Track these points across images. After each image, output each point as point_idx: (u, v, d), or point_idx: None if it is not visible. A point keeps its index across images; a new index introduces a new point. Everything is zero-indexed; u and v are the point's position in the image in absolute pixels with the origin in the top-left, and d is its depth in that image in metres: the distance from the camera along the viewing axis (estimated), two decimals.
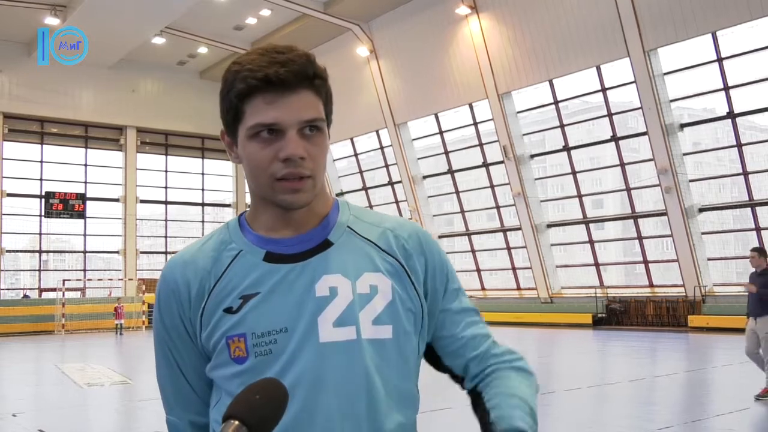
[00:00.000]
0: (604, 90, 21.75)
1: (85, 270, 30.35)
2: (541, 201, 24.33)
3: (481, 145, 25.37)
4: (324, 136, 1.17)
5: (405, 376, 1.20)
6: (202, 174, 33.05)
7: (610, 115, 21.87)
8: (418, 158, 27.80)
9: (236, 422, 0.92)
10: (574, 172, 23.19)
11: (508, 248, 25.78)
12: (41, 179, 29.02)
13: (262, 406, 0.95)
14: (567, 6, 21.58)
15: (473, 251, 26.84)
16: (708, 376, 11.54)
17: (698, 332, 19.26)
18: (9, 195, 28.27)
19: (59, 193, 28.54)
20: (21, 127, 28.62)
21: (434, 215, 27.88)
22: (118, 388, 10.98)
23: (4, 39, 26.83)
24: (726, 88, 19.19)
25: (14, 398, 10.28)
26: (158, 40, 27.21)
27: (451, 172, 26.54)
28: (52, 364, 15.14)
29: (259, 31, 27.95)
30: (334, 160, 31.29)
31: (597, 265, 23.52)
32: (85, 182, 29.91)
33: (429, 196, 27.92)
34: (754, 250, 8.53)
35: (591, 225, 23.55)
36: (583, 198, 23.28)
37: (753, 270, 8.41)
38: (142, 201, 31.16)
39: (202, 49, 29.20)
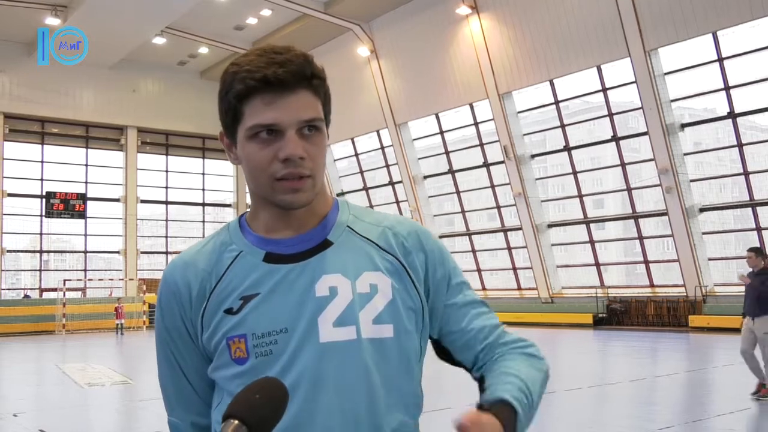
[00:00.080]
0: (604, 90, 21.74)
1: (85, 270, 30.36)
2: (542, 201, 24.33)
3: (481, 145, 25.37)
4: (323, 135, 1.17)
5: (407, 375, 1.20)
6: (203, 174, 33.07)
7: (610, 115, 21.87)
8: (419, 158, 27.80)
9: (236, 421, 0.92)
10: (574, 172, 23.18)
11: (509, 248, 25.78)
12: (42, 179, 29.04)
13: (261, 405, 0.95)
14: (567, 6, 21.57)
15: (474, 251, 26.84)
16: (709, 376, 11.54)
17: (699, 332, 19.25)
18: (10, 195, 28.29)
19: (60, 193, 28.54)
20: (22, 127, 28.64)
21: (435, 215, 27.88)
22: (118, 388, 10.97)
23: (4, 39, 26.84)
24: (727, 88, 19.18)
25: (15, 398, 10.28)
26: (159, 40, 27.22)
27: (451, 172, 26.54)
28: (53, 364, 15.14)
29: (260, 31, 27.96)
30: (335, 160, 31.30)
31: (598, 265, 23.51)
32: (86, 182, 29.92)
33: (430, 196, 27.92)
34: (750, 250, 8.55)
35: (592, 225, 23.55)
36: (584, 198, 23.27)
37: (750, 270, 8.43)
38: (143, 201, 31.17)
39: (203, 49, 29.22)
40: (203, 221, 33.12)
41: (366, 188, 30.12)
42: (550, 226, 24.30)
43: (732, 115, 19.29)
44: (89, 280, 29.30)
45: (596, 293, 22.74)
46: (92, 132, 30.20)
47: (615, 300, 22.45)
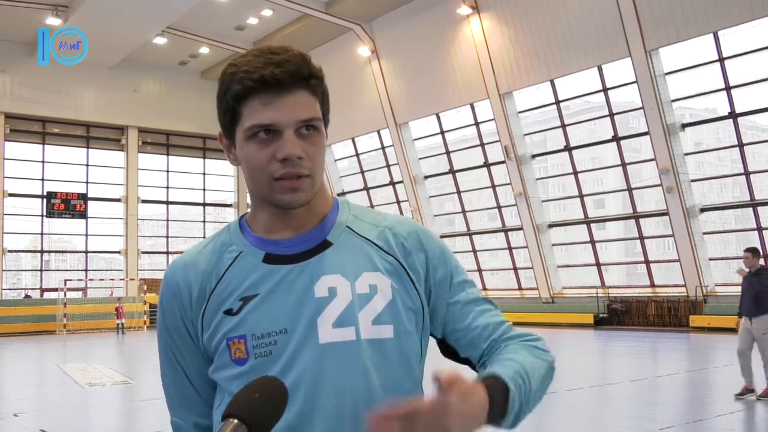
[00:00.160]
0: (605, 90, 21.74)
1: (86, 270, 30.37)
2: (543, 201, 24.32)
3: (482, 145, 25.36)
4: (321, 135, 1.17)
5: (407, 376, 1.19)
6: (204, 174, 33.07)
7: (611, 115, 21.86)
8: (420, 158, 27.80)
9: (235, 421, 0.92)
10: (575, 172, 23.18)
11: (510, 248, 25.78)
12: (43, 179, 29.05)
13: (261, 404, 0.95)
14: (568, 6, 21.57)
15: (474, 251, 26.84)
16: (709, 376, 11.53)
17: (700, 332, 19.24)
18: (11, 195, 28.30)
19: (61, 193, 28.56)
20: (23, 127, 28.65)
21: (435, 215, 27.88)
22: (119, 388, 10.98)
23: (5, 39, 26.85)
24: (727, 88, 19.17)
25: (16, 398, 10.29)
26: (159, 40, 27.23)
27: (452, 172, 26.54)
28: (54, 364, 15.16)
29: (261, 31, 27.97)
30: (336, 160, 31.31)
31: (598, 265, 23.50)
32: (87, 182, 29.94)
33: (430, 196, 27.92)
34: (747, 250, 8.56)
35: (592, 225, 23.54)
36: (585, 198, 23.27)
37: (747, 270, 8.44)
38: (144, 201, 31.19)
39: (204, 49, 29.22)
40: (204, 221, 33.13)
41: (367, 188, 30.12)
42: (550, 226, 24.30)
43: (733, 115, 19.28)
44: (90, 280, 29.31)
45: (597, 293, 22.74)
46: (93, 132, 30.22)
47: (616, 300, 22.45)
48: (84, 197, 29.08)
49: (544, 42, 22.33)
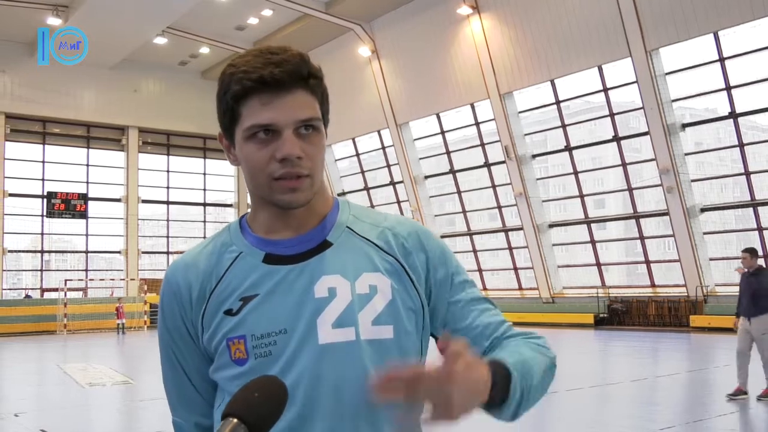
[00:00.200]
0: (605, 90, 21.73)
1: (87, 270, 30.38)
2: (543, 201, 24.32)
3: (482, 145, 25.36)
4: (321, 135, 1.16)
5: None
6: (204, 174, 33.08)
7: (611, 115, 21.86)
8: (420, 158, 27.80)
9: (235, 420, 0.92)
10: (575, 172, 23.18)
11: (510, 248, 25.77)
12: (43, 179, 29.06)
13: (260, 404, 0.95)
14: (569, 6, 21.56)
15: (475, 251, 26.84)
16: (710, 376, 11.52)
17: (700, 332, 19.24)
18: (11, 195, 28.30)
19: (61, 193, 28.56)
20: (23, 127, 28.66)
21: (436, 215, 27.88)
22: (119, 388, 10.98)
23: (6, 39, 26.86)
24: (728, 88, 19.17)
25: (16, 398, 10.29)
26: (160, 41, 27.23)
27: (452, 172, 26.54)
28: (54, 364, 15.16)
29: (261, 32, 27.97)
30: (336, 160, 31.31)
31: (599, 265, 23.50)
32: (87, 182, 29.95)
33: (431, 196, 27.92)
34: (745, 250, 8.57)
35: (593, 225, 23.54)
36: (585, 198, 23.27)
37: (746, 270, 8.44)
38: (144, 201, 31.19)
39: (204, 49, 29.22)
40: (204, 221, 33.13)
41: (367, 188, 30.13)
42: (551, 226, 24.30)
43: (733, 115, 19.27)
44: (90, 280, 29.32)
45: (597, 293, 22.73)
46: (93, 132, 30.22)
47: (616, 300, 22.44)
48: (84, 197, 29.09)
49: (545, 42, 22.32)
